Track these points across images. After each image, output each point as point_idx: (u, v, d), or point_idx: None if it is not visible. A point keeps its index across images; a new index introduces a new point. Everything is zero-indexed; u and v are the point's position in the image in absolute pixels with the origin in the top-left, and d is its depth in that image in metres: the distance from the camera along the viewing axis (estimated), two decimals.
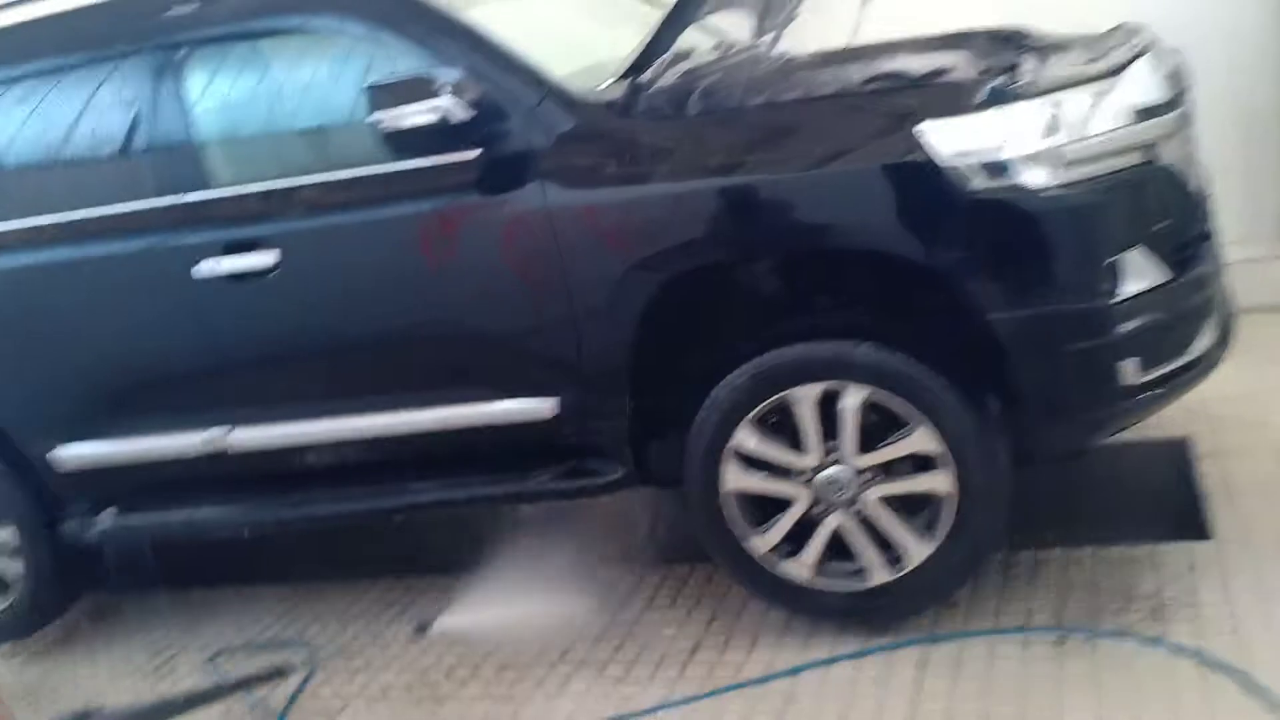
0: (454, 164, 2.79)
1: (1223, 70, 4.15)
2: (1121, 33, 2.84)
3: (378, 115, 2.66)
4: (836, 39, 3.37)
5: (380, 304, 2.99)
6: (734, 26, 3.50)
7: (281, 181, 3.01)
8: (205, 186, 3.08)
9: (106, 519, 3.47)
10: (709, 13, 3.24)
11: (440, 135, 2.69)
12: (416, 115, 2.64)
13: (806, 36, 3.59)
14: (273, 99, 3.12)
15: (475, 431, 2.98)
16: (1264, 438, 3.42)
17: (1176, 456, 3.43)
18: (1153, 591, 2.77)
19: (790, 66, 3.28)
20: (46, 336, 3.33)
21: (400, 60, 2.83)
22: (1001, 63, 2.70)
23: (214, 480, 3.32)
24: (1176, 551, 2.93)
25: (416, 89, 2.65)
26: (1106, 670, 2.54)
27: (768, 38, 3.60)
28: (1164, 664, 2.51)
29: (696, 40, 3.38)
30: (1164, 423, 3.56)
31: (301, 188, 2.99)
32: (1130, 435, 3.53)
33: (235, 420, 3.20)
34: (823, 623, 2.91)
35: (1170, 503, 3.23)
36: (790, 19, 3.64)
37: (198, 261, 3.06)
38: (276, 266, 2.99)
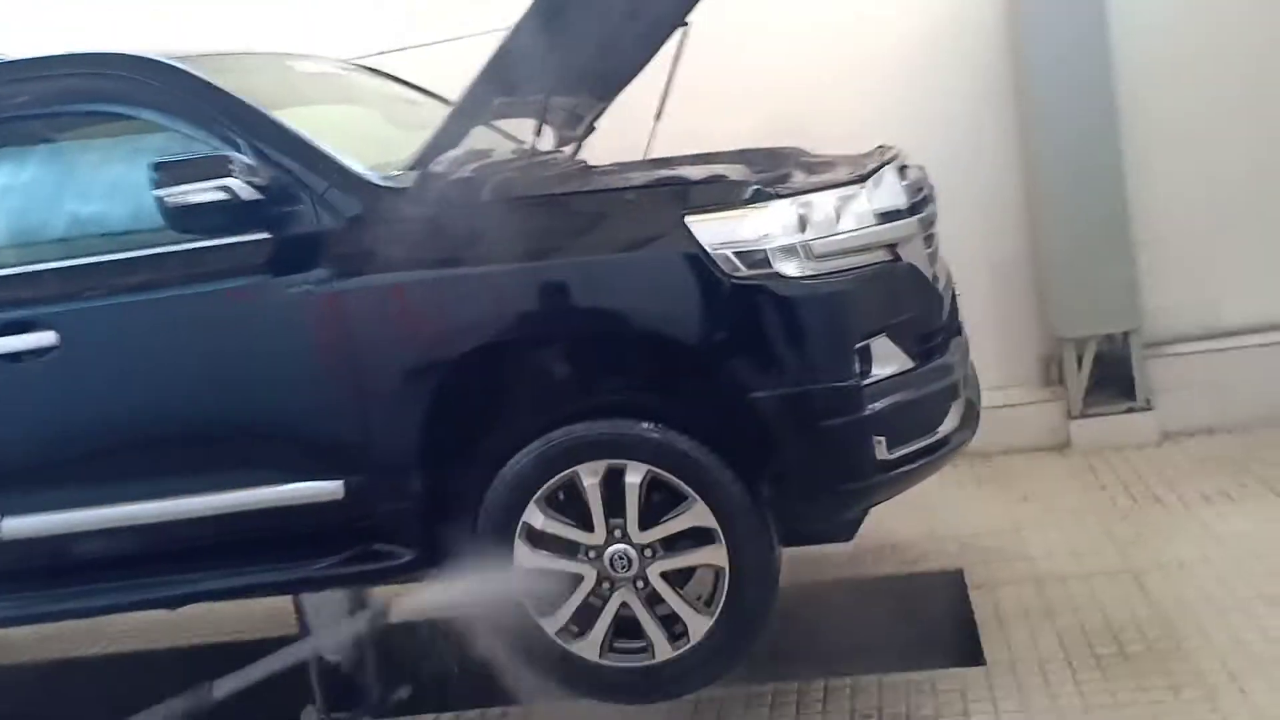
0: (242, 245, 2.84)
1: (977, 229, 4.65)
2: (878, 151, 3.14)
3: (162, 192, 2.69)
4: (632, 154, 3.61)
5: (163, 387, 2.97)
6: (541, 139, 3.70)
7: (61, 262, 2.99)
8: None
9: None
10: (498, 114, 3.40)
11: (227, 216, 2.74)
12: (201, 193, 2.69)
13: (603, 149, 3.83)
14: (61, 182, 3.13)
15: (261, 516, 2.96)
16: (1027, 569, 3.75)
17: (952, 587, 3.73)
18: (931, 716, 2.97)
19: (583, 170, 3.49)
20: None
21: (191, 144, 2.88)
22: (772, 173, 2.94)
23: None
24: (952, 678, 3.16)
25: (203, 168, 2.70)
26: None
27: (568, 148, 3.83)
28: None
29: (497, 143, 3.55)
30: (940, 556, 3.90)
31: (81, 268, 2.97)
32: (909, 569, 3.87)
33: (6, 509, 3.08)
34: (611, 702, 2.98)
35: (946, 631, 3.50)
36: (589, 130, 3.89)
37: None
38: (55, 348, 2.95)
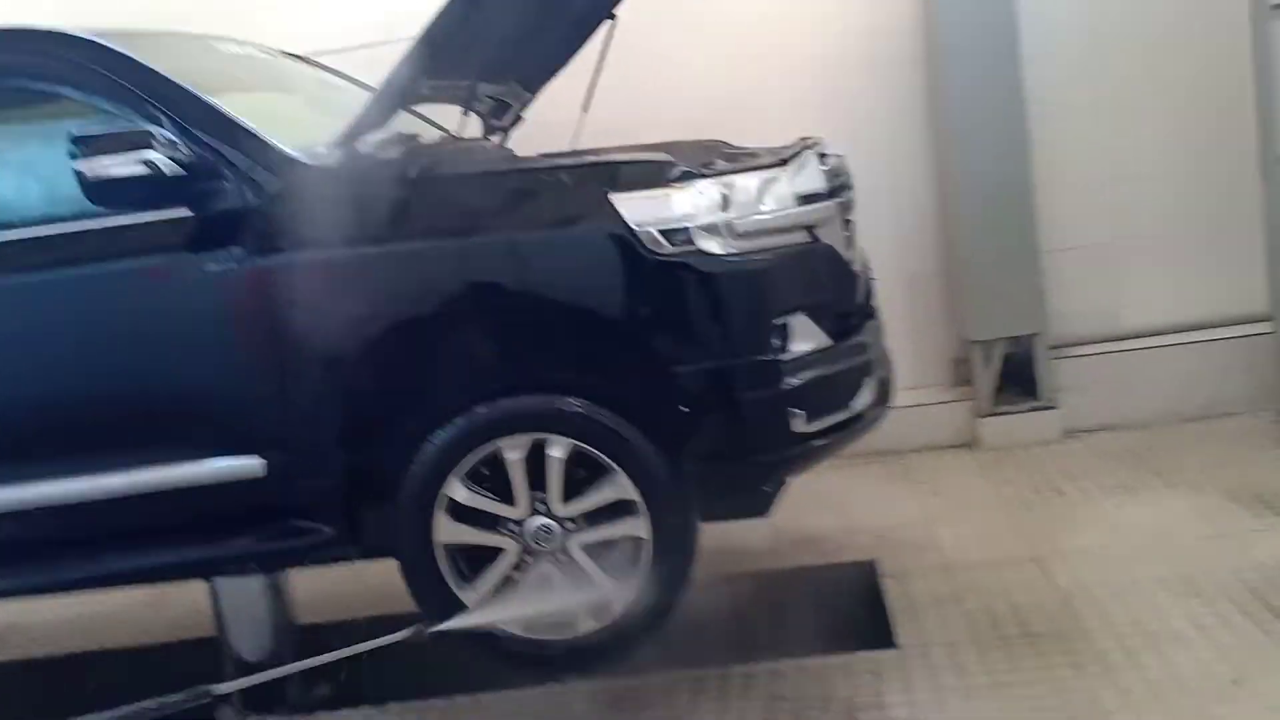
0: (163, 221, 2.83)
1: (894, 239, 4.80)
2: (800, 142, 3.21)
3: (82, 164, 2.67)
4: (558, 146, 3.63)
5: (82, 365, 2.94)
6: (468, 126, 3.69)
7: None
8: None
9: None
10: (425, 99, 3.42)
11: (148, 190, 2.73)
12: (122, 166, 2.68)
13: (531, 142, 3.85)
14: None
15: (181, 495, 2.93)
16: (937, 559, 3.88)
17: (866, 577, 3.84)
18: (847, 697, 3.05)
19: (510, 157, 3.51)
20: None
21: (113, 122, 2.85)
22: (697, 159, 3.01)
23: None
24: (867, 661, 3.24)
25: (124, 141, 2.69)
26: None
27: (495, 137, 3.86)
28: None
29: (424, 130, 3.56)
30: (854, 548, 4.01)
31: None
32: (826, 560, 3.97)
33: None
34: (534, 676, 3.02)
35: (861, 618, 3.61)
36: (516, 120, 3.93)
37: None
38: None
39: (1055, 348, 4.99)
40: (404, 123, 3.31)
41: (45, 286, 2.92)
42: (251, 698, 3.71)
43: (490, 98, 3.78)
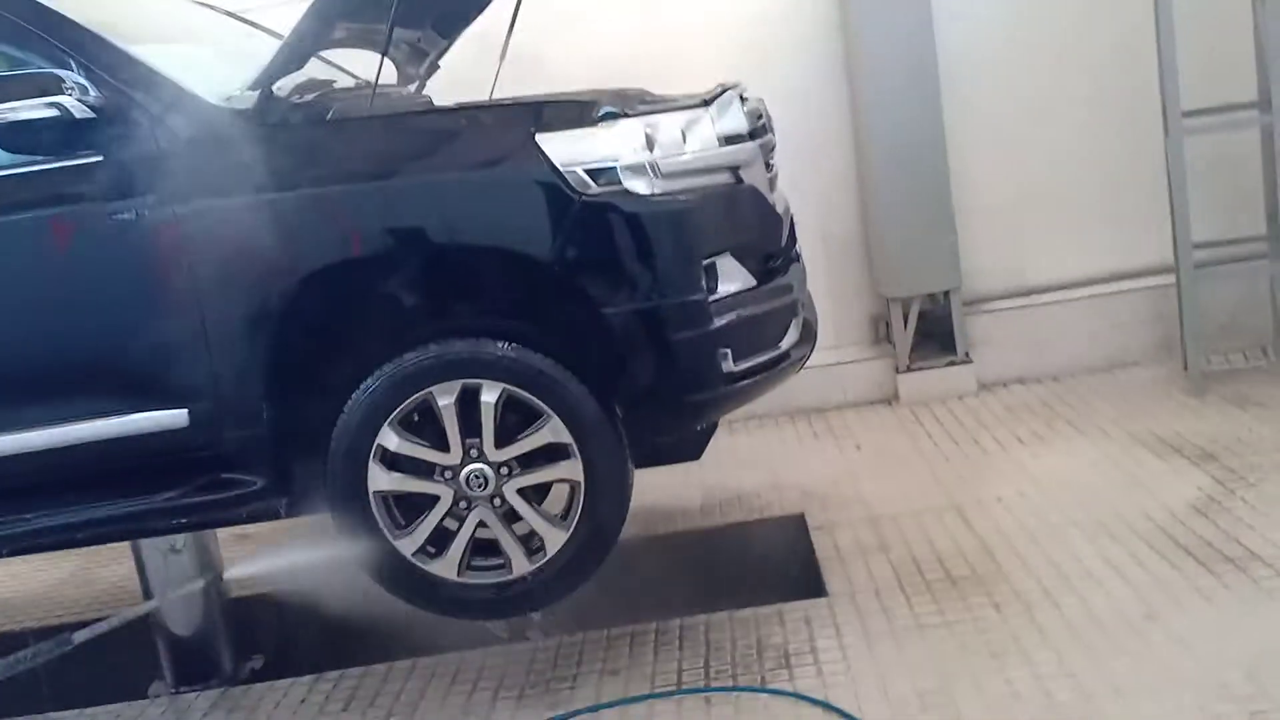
0: (73, 168, 2.77)
1: (812, 202, 4.87)
2: (720, 85, 3.21)
3: None
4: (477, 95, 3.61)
5: None
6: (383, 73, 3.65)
7: None
8: None
9: None
10: (339, 43, 3.37)
11: (58, 134, 2.69)
12: (31, 110, 2.63)
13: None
14: None
15: (103, 448, 2.88)
16: (862, 510, 4.00)
17: (794, 530, 3.94)
18: (780, 644, 3.14)
19: (428, 102, 3.50)
20: None
21: (22, 66, 2.78)
22: (620, 104, 3.00)
23: None
24: (798, 609, 3.34)
25: (32, 84, 2.64)
26: None
27: (412, 86, 3.84)
28: (794, 710, 2.83)
29: (339, 78, 3.52)
30: (783, 504, 4.12)
31: None
32: (755, 514, 4.07)
33: None
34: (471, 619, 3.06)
35: (791, 569, 3.71)
36: (433, 68, 3.90)
37: None
38: None
39: (969, 304, 5.13)
40: (319, 70, 3.27)
41: None
42: (184, 672, 3.70)
43: (406, 44, 3.73)
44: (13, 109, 2.63)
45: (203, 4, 3.81)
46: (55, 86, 2.66)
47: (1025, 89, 5.07)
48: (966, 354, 5.09)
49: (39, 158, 2.78)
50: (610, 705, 2.97)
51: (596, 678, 3.12)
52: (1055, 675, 2.76)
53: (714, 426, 3.13)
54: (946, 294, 5.06)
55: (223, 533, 4.07)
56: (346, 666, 3.47)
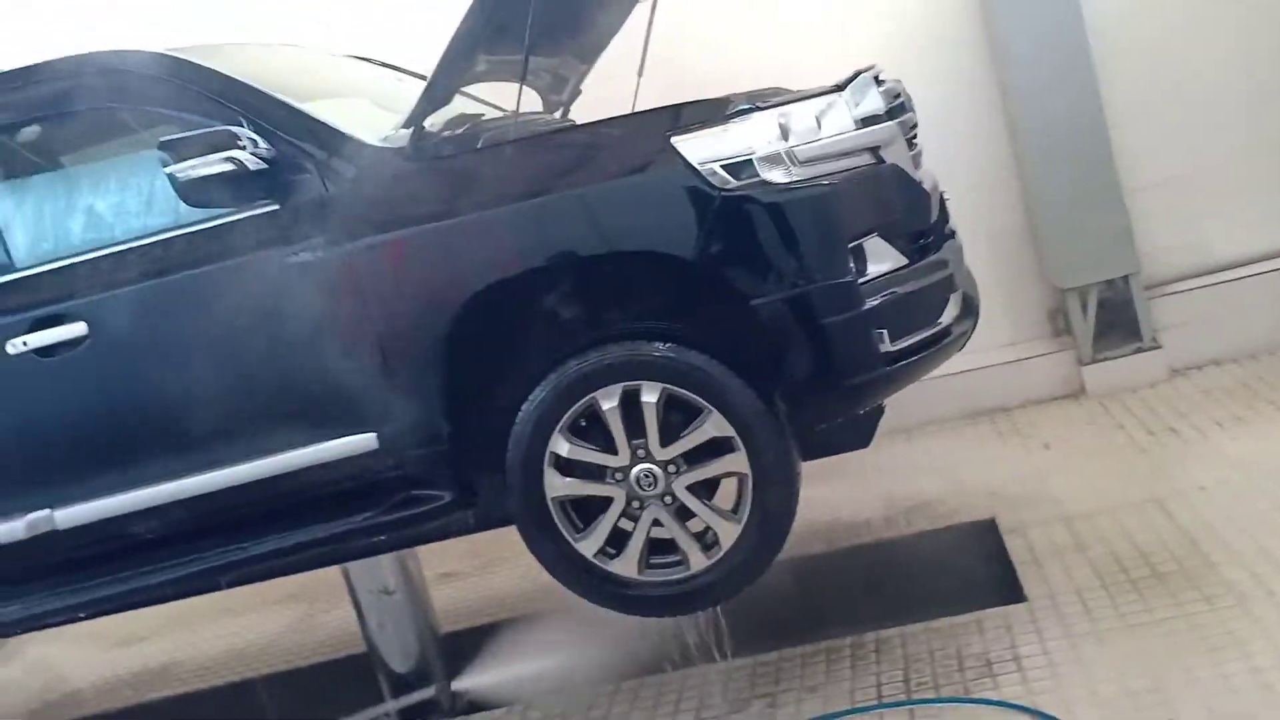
0: (253, 218, 2.98)
1: (969, 198, 4.77)
2: (854, 70, 3.19)
3: (173, 168, 2.82)
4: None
5: (194, 363, 3.08)
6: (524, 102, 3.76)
7: (83, 256, 3.13)
8: (9, 268, 3.18)
9: None
10: (481, 77, 3.49)
11: (236, 187, 2.87)
12: (209, 166, 2.82)
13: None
14: (74, 178, 3.30)
15: (302, 477, 3.06)
16: (1055, 510, 3.88)
17: (986, 535, 3.86)
18: (981, 653, 3.08)
19: (572, 124, 3.61)
20: None
21: (192, 124, 2.98)
22: (752, 100, 3.02)
23: (40, 570, 3.29)
24: (997, 616, 3.27)
25: (209, 141, 2.83)
26: None
27: (556, 113, 3.98)
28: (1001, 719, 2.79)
29: (486, 111, 3.68)
30: (971, 509, 4.05)
31: (103, 260, 3.10)
32: (943, 523, 4.02)
33: (58, 500, 3.20)
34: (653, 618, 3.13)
35: (985, 575, 3.64)
36: (575, 94, 4.02)
37: (6, 343, 3.11)
38: (85, 338, 3.08)
39: (1151, 287, 4.94)
40: (468, 107, 3.42)
41: (155, 292, 3.07)
42: (407, 711, 3.91)
43: (547, 72, 3.87)
44: (193, 166, 2.83)
45: (358, 58, 4.04)
46: (230, 143, 2.86)
47: (1184, 57, 4.87)
48: (1153, 339, 4.89)
49: (222, 211, 3.01)
50: None
51: (796, 695, 3.13)
52: (1275, 667, 2.63)
53: (880, 411, 3.09)
54: (1125, 278, 4.88)
55: (429, 572, 4.30)
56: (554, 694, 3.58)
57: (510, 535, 3.10)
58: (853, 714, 2.97)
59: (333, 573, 4.12)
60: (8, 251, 3.21)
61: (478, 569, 4.77)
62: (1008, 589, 3.44)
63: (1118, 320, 4.96)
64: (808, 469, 4.63)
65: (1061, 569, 3.45)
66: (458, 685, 3.91)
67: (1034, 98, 4.79)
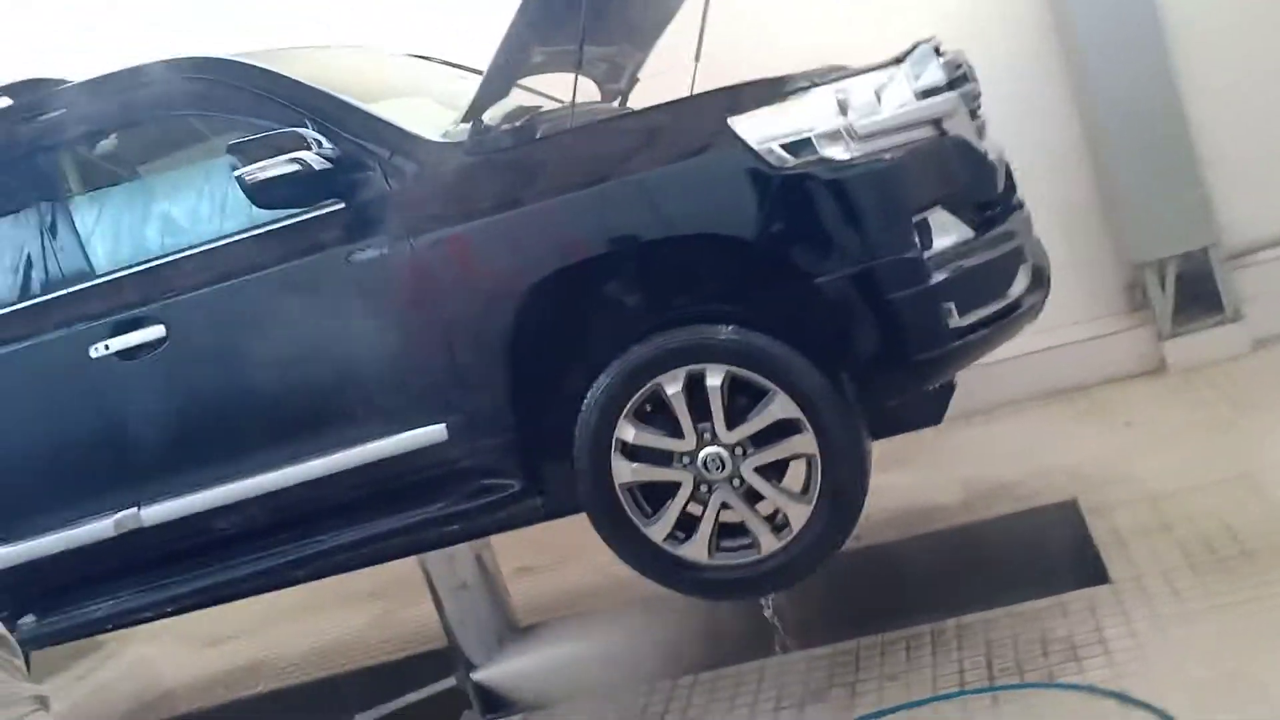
0: (319, 217, 3.03)
1: (1041, 173, 4.68)
2: (913, 42, 3.15)
3: (241, 171, 2.87)
4: None
5: (269, 361, 3.14)
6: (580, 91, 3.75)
7: (159, 260, 3.21)
8: (91, 274, 3.27)
9: (27, 626, 3.49)
10: (538, 69, 3.50)
11: (302, 187, 2.91)
12: (276, 167, 2.86)
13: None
14: (148, 185, 3.40)
15: (376, 470, 3.10)
16: (1139, 489, 3.78)
17: (1066, 516, 3.78)
18: (1065, 636, 3.02)
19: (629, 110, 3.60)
20: None
21: (258, 127, 3.03)
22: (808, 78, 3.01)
23: (128, 567, 3.38)
24: (1081, 598, 3.20)
25: (275, 143, 2.88)
26: (1040, 718, 2.74)
27: (615, 101, 3.97)
28: (1088, 704, 2.72)
29: (544, 103, 3.65)
30: (1051, 490, 3.98)
31: (178, 263, 3.18)
32: (1022, 504, 3.95)
33: (143, 499, 3.28)
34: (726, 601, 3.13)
35: (1068, 557, 3.57)
36: (633, 82, 4.01)
37: (89, 347, 3.20)
38: (164, 340, 3.15)
39: (1233, 258, 4.80)
40: (525, 100, 3.42)
41: (230, 293, 3.14)
42: (488, 703, 3.96)
43: (603, 61, 3.87)
44: (260, 168, 2.88)
45: (418, 57, 4.08)
46: (297, 144, 2.91)
47: (1258, 23, 4.69)
48: (1236, 311, 4.75)
49: (291, 211, 3.06)
50: (894, 710, 2.96)
51: (876, 684, 3.10)
52: None
53: (951, 388, 3.05)
54: (1204, 250, 4.75)
55: (505, 567, 4.34)
56: (630, 687, 3.60)
57: (583, 529, 3.12)
58: (935, 701, 2.93)
59: (411, 569, 4.19)
60: (88, 259, 3.30)
61: (553, 563, 4.80)
62: (1091, 571, 3.37)
63: (1198, 293, 4.82)
64: (883, 455, 4.60)
65: (1147, 549, 3.37)
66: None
67: (1103, 70, 4.67)
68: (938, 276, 2.77)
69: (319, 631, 4.95)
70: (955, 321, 2.79)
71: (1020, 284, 2.95)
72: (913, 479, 4.53)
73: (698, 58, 3.56)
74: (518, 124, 3.12)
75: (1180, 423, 4.27)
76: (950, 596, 3.49)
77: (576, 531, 3.47)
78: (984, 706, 2.86)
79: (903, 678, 3.09)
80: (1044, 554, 3.69)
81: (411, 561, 4.20)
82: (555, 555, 4.84)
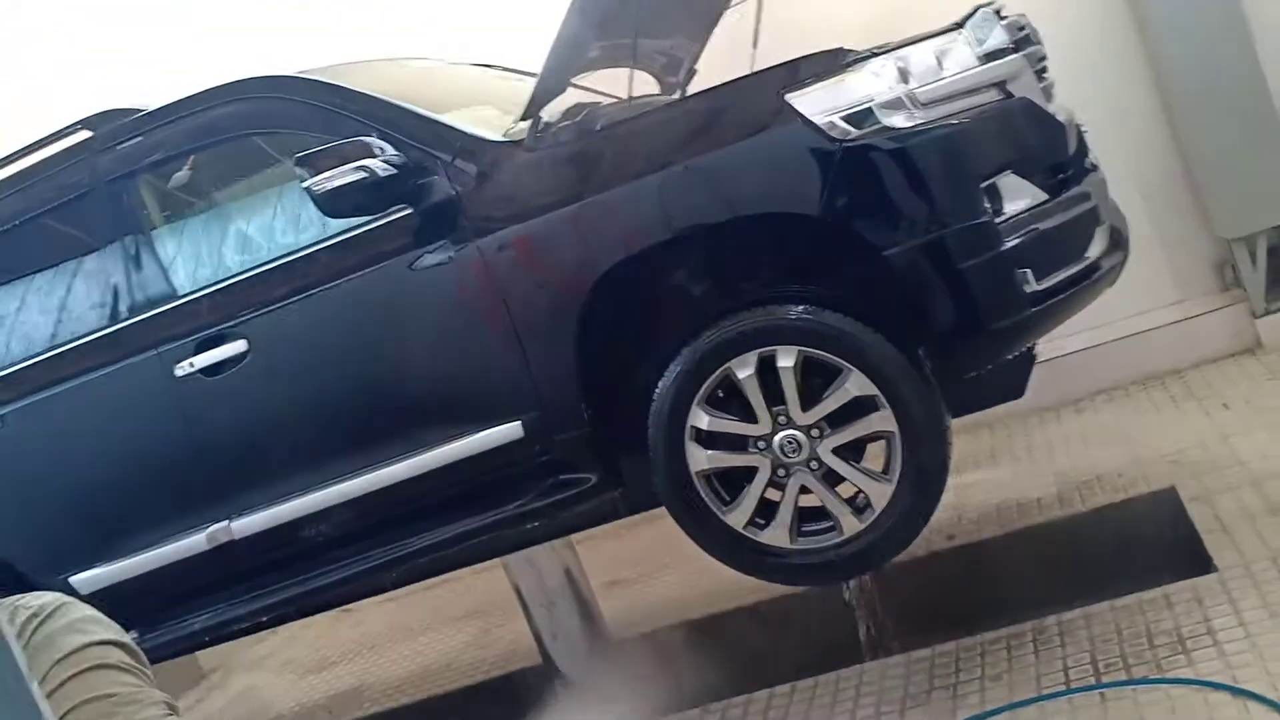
0: (388, 224, 3.06)
1: (1120, 153, 4.55)
2: (974, 6, 3.06)
3: (309, 182, 2.91)
4: None
5: (348, 369, 3.21)
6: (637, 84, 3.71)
7: (236, 277, 3.28)
8: (173, 296, 3.35)
9: None
10: (594, 64, 3.50)
11: (369, 194, 2.94)
12: (343, 176, 2.89)
13: None
14: (220, 209, 3.48)
15: (457, 470, 3.12)
16: (1241, 474, 3.65)
17: (1166, 505, 3.67)
18: (1172, 629, 2.93)
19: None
20: (46, 470, 3.52)
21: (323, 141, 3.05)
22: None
23: (222, 580, 3.45)
24: (1186, 589, 3.10)
25: (342, 153, 2.92)
26: (1149, 714, 2.66)
27: (674, 94, 3.95)
28: (1199, 698, 2.64)
29: (603, 100, 3.67)
30: (1149, 479, 3.87)
31: (255, 278, 3.24)
32: (1120, 494, 3.85)
33: (232, 511, 3.35)
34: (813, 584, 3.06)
35: (1170, 547, 3.47)
36: (690, 74, 3.99)
37: (174, 367, 3.29)
38: (246, 353, 3.22)
39: None
40: (581, 98, 3.43)
41: (307, 305, 3.19)
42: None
43: (659, 54, 3.86)
44: (328, 178, 2.92)
45: (481, 65, 4.12)
46: (364, 153, 2.94)
47: None
48: None
49: (361, 220, 3.10)
50: (1000, 710, 2.89)
51: (979, 684, 3.02)
52: None
53: (1032, 359, 2.97)
54: None
55: (594, 580, 4.35)
56: (727, 697, 3.58)
57: (669, 542, 3.11)
58: (1040, 700, 2.86)
59: (505, 589, 4.23)
60: (170, 283, 3.39)
61: (642, 576, 4.81)
62: (1195, 560, 3.26)
63: None
64: (975, 451, 4.54)
65: (1253, 535, 3.25)
66: None
67: (1179, 41, 4.51)
68: (1010, 241, 2.70)
69: (418, 653, 5.02)
70: (1032, 287, 2.72)
71: (1098, 246, 2.87)
72: (1005, 474, 4.44)
73: (755, 44, 3.53)
74: (577, 120, 3.13)
75: None
76: (1050, 593, 3.40)
77: (664, 543, 3.47)
78: (1092, 703, 2.77)
79: (1005, 678, 3.01)
80: (1145, 545, 3.59)
81: (505, 580, 4.26)
82: (644, 568, 4.84)
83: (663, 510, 3.11)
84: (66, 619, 1.27)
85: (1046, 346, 4.82)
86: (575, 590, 4.16)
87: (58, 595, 1.32)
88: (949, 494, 4.27)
